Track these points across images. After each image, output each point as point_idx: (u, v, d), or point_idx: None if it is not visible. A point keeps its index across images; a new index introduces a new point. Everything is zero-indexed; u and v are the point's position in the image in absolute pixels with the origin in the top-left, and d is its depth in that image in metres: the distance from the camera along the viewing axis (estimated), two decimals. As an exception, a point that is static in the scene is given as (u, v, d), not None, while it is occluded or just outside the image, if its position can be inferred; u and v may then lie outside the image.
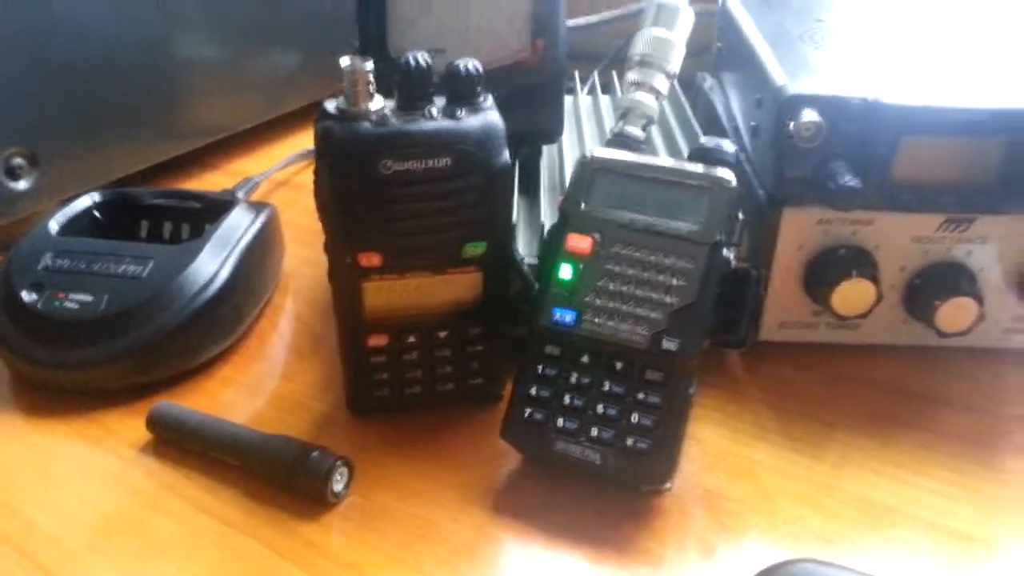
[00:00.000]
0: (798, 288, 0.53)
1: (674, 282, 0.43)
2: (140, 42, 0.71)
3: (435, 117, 0.42)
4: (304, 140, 0.87)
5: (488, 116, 0.43)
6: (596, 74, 0.80)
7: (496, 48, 0.56)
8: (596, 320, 0.43)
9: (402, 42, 0.57)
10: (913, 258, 0.52)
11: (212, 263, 0.54)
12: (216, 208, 0.59)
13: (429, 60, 0.42)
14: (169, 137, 0.77)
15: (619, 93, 0.74)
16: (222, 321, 0.54)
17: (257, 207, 0.61)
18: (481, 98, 0.44)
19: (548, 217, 0.55)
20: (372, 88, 0.42)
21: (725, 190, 0.44)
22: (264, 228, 0.59)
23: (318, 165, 0.42)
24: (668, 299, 0.43)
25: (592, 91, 0.77)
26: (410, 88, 0.42)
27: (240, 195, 0.64)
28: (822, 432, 0.50)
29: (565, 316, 0.44)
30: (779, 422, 0.50)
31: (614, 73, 0.78)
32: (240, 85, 0.82)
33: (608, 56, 0.89)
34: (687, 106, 0.69)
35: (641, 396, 0.42)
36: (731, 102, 0.64)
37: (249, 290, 0.57)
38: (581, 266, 0.44)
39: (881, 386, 0.53)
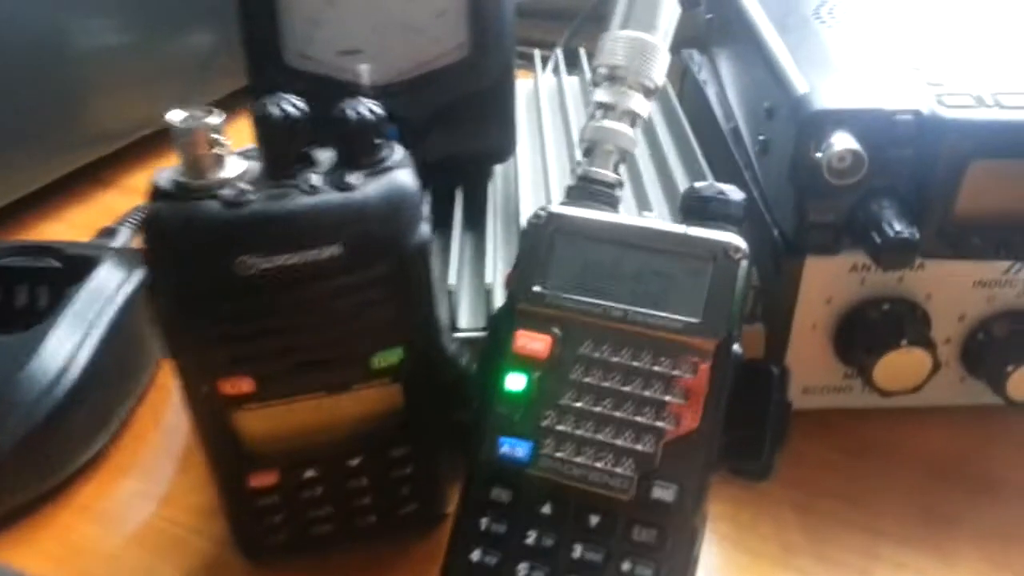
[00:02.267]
0: (826, 347, 0.41)
1: (667, 399, 0.30)
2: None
3: (317, 188, 0.29)
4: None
5: (395, 178, 0.30)
6: (559, 52, 0.66)
7: (424, 48, 0.43)
8: (559, 454, 0.31)
9: (303, 45, 0.44)
10: (975, 306, 0.40)
11: (64, 349, 0.41)
12: (79, 266, 0.46)
13: (301, 107, 0.29)
14: (50, 153, 0.62)
15: (587, 76, 0.60)
16: (79, 429, 0.41)
17: (132, 258, 0.47)
18: (384, 152, 0.31)
19: (498, 270, 0.42)
20: (224, 149, 0.29)
21: (732, 263, 0.31)
22: (140, 288, 0.45)
23: (147, 267, 0.29)
24: (659, 424, 0.30)
25: (558, 71, 0.64)
26: (276, 148, 0.29)
27: (121, 236, 0.51)
28: (865, 548, 0.38)
29: (516, 448, 0.31)
30: (809, 536, 0.39)
31: (581, 51, 0.64)
32: (137, 78, 0.67)
33: (575, 23, 0.75)
34: (673, 96, 0.55)
35: (627, 566, 0.30)
36: (727, 93, 0.51)
37: (118, 377, 0.44)
38: (536, 375, 0.32)
39: (932, 466, 0.42)
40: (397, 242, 0.30)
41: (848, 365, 0.41)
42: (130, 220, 0.56)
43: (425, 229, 0.31)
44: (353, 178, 0.30)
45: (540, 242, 0.33)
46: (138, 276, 0.46)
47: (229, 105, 0.73)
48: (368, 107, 0.30)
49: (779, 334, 0.40)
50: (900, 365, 0.38)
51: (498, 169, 0.50)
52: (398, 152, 0.31)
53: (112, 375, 0.43)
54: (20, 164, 0.60)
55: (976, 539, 0.38)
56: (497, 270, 0.42)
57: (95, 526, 0.40)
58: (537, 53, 0.65)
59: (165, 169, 0.30)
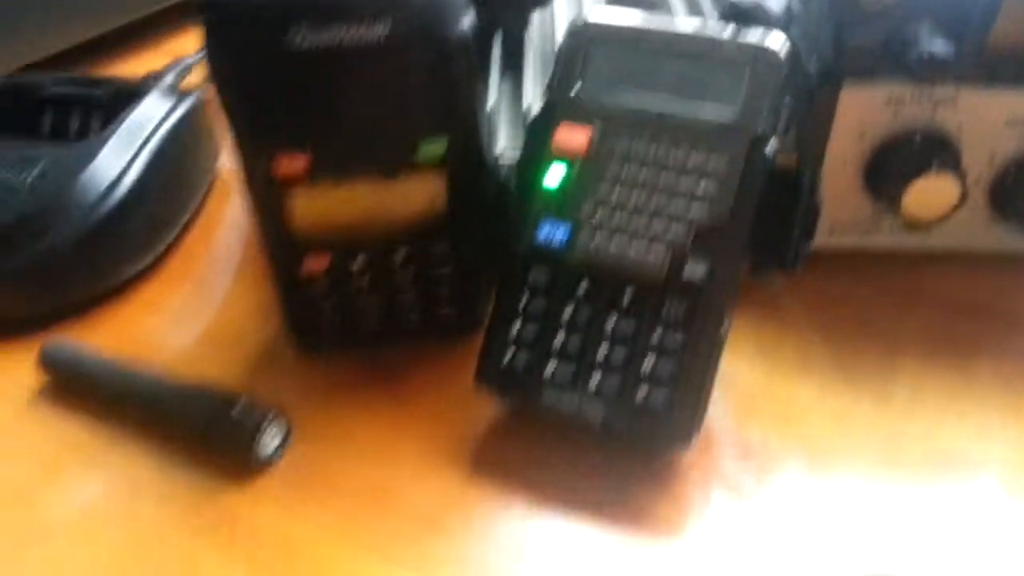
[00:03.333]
0: (856, 184, 0.42)
1: (701, 187, 0.32)
2: None
3: (363, -34, 0.30)
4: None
5: (439, -37, 0.32)
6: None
7: None
8: (597, 238, 0.33)
9: None
10: (1006, 145, 0.40)
11: (115, 164, 0.43)
12: (125, 96, 0.48)
13: None
14: (90, 11, 0.64)
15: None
16: (134, 235, 0.44)
17: (179, 94, 0.49)
18: (429, -63, 0.32)
19: (536, 102, 0.43)
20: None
21: (772, 65, 0.32)
22: (186, 119, 0.47)
23: (206, 38, 0.31)
24: (693, 210, 0.32)
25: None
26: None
27: (168, 79, 0.53)
28: (885, 364, 0.39)
29: (556, 232, 0.33)
30: (831, 352, 0.40)
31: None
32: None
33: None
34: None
35: (657, 337, 0.32)
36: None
37: (168, 195, 0.46)
38: (575, 168, 0.33)
39: (957, 304, 0.42)
40: (440, 30, 0.31)
41: (877, 199, 0.42)
42: (173, 68, 0.57)
43: (471, 17, 0.32)
44: (399, -40, 0.31)
45: (578, 48, 0.34)
46: (184, 107, 0.48)
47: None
48: None
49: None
50: (930, 191, 0.39)
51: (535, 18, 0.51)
52: (441, -61, 0.32)
53: (163, 189, 0.46)
54: (61, 15, 0.62)
55: (994, 362, 0.39)
56: (534, 99, 0.43)
57: (159, 319, 0.43)
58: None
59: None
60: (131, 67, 0.67)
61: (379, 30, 0.30)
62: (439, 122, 0.33)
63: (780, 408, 0.38)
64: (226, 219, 0.50)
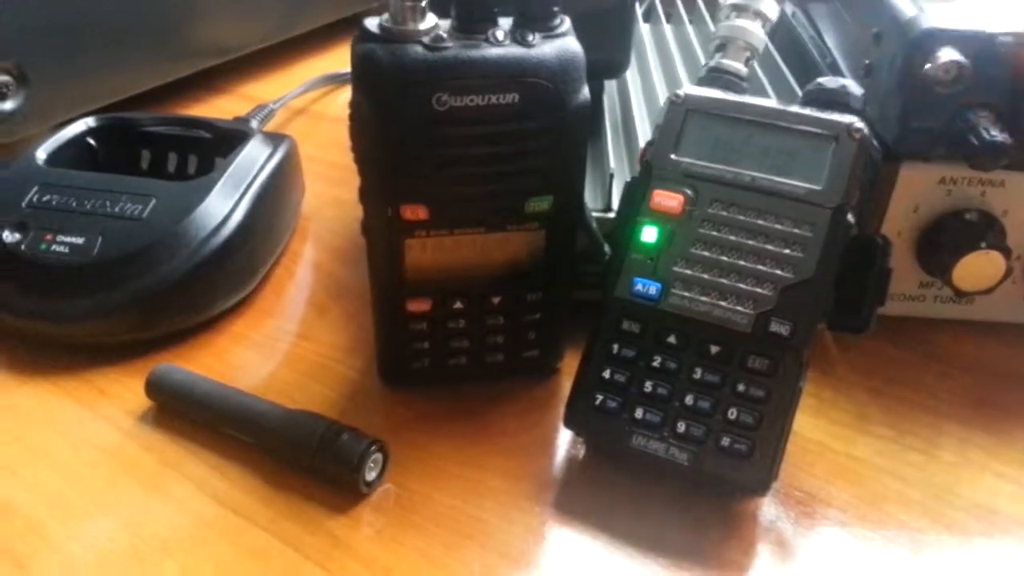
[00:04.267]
0: (908, 256, 0.45)
1: (787, 252, 0.35)
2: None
3: (501, 42, 0.34)
4: (324, 63, 0.79)
5: (566, 43, 0.35)
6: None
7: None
8: (687, 294, 0.36)
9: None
10: (1047, 227, 0.44)
11: (224, 203, 0.46)
12: (229, 139, 0.51)
13: (496, -31, 0.34)
14: (175, 56, 0.68)
15: (684, 22, 0.65)
16: (235, 271, 0.47)
17: (275, 139, 0.53)
18: (557, 20, 0.36)
19: (615, 164, 0.47)
20: (424, 3, 0.34)
21: (853, 142, 0.36)
22: (283, 163, 0.51)
23: (356, 98, 0.34)
24: (779, 272, 0.35)
25: (650, 19, 0.69)
26: (470, 5, 0.34)
27: (254, 124, 0.56)
28: (933, 424, 0.43)
29: (648, 288, 0.36)
30: (882, 411, 0.43)
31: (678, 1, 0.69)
32: (252, 2, 0.73)
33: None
34: (767, 42, 0.60)
35: (741, 388, 0.35)
36: (823, 35, 0.55)
37: (265, 235, 0.49)
38: (669, 228, 0.37)
39: (995, 372, 0.46)
40: (564, 98, 0.35)
41: (928, 271, 0.45)
42: (256, 115, 0.61)
43: (587, 92, 0.36)
44: (532, 38, 0.34)
45: (676, 117, 0.38)
46: (281, 152, 0.52)
47: (323, 35, 0.79)
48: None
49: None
50: (978, 266, 0.42)
51: (610, 87, 0.55)
52: (567, 22, 0.36)
53: (260, 231, 0.48)
54: (147, 62, 0.66)
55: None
56: (615, 160, 0.47)
57: (249, 351, 0.46)
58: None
59: (371, 17, 0.35)
60: (202, 108, 0.71)
61: (511, 98, 0.34)
62: (549, 181, 0.37)
63: (839, 461, 0.40)
64: (307, 259, 0.53)
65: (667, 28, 0.65)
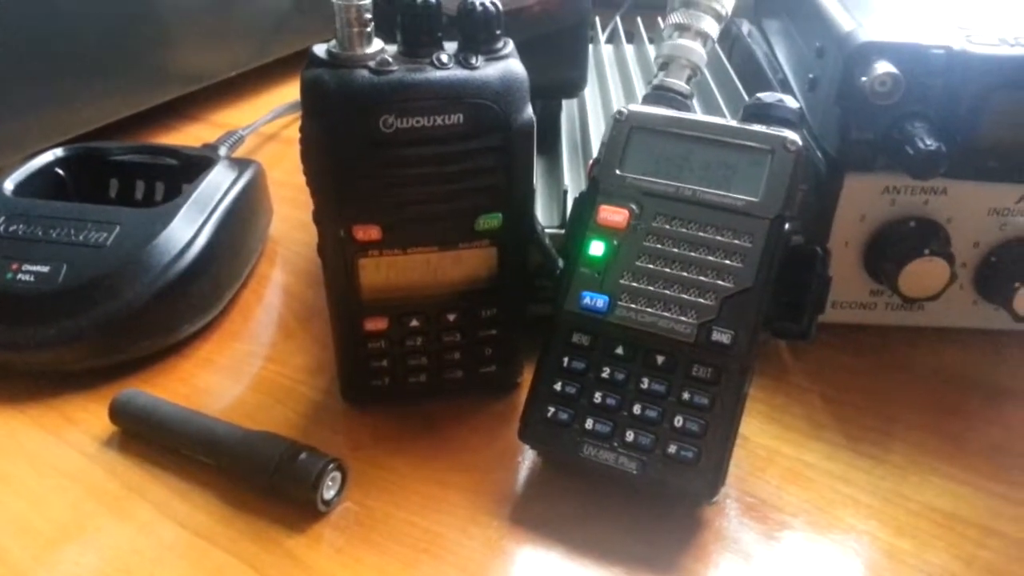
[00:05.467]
0: (856, 264, 0.46)
1: (727, 263, 0.36)
2: (112, -23, 0.63)
3: (446, 65, 0.35)
4: (294, 90, 0.79)
5: (509, 65, 0.36)
6: (618, 19, 0.72)
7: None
8: (633, 306, 0.37)
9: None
10: (989, 233, 0.45)
11: (187, 229, 0.47)
12: (194, 165, 0.52)
13: (437, -3, 0.35)
14: (145, 85, 0.69)
15: (645, 43, 0.67)
16: (199, 295, 0.47)
17: (241, 164, 0.54)
18: (500, 43, 0.37)
19: (571, 181, 0.48)
20: (370, 28, 0.35)
21: (789, 154, 0.37)
22: (248, 188, 0.52)
23: (305, 121, 0.36)
24: (720, 283, 0.36)
25: (614, 39, 0.70)
26: (415, 30, 0.35)
27: (222, 151, 0.57)
28: (883, 429, 0.43)
29: (596, 301, 0.37)
30: (834, 417, 0.44)
31: (638, 19, 0.70)
32: (225, 28, 0.74)
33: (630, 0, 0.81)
34: (723, 56, 0.61)
35: (686, 396, 0.36)
36: (775, 51, 0.57)
37: (231, 259, 0.50)
38: (615, 242, 0.38)
39: (946, 376, 0.47)
40: (508, 118, 0.36)
41: (875, 279, 0.46)
42: (225, 141, 0.62)
43: (530, 111, 0.37)
44: (475, 60, 0.36)
45: (620, 134, 0.39)
46: (247, 177, 0.53)
47: (293, 63, 0.81)
48: (491, 1, 0.36)
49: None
50: (923, 273, 0.43)
51: (565, 106, 0.56)
52: (510, 45, 0.37)
53: (225, 255, 0.49)
54: (118, 91, 0.67)
55: (979, 428, 0.43)
56: (570, 178, 0.48)
57: (215, 375, 0.47)
58: (597, 20, 0.71)
59: (320, 44, 0.36)
60: (174, 137, 0.72)
61: (456, 118, 0.35)
62: (498, 199, 0.38)
63: (790, 467, 0.41)
64: (275, 282, 0.54)
65: (628, 48, 0.66)
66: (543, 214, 0.47)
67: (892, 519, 0.39)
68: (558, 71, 0.52)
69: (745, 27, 0.64)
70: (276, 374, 0.47)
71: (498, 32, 0.36)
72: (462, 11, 0.36)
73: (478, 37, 0.36)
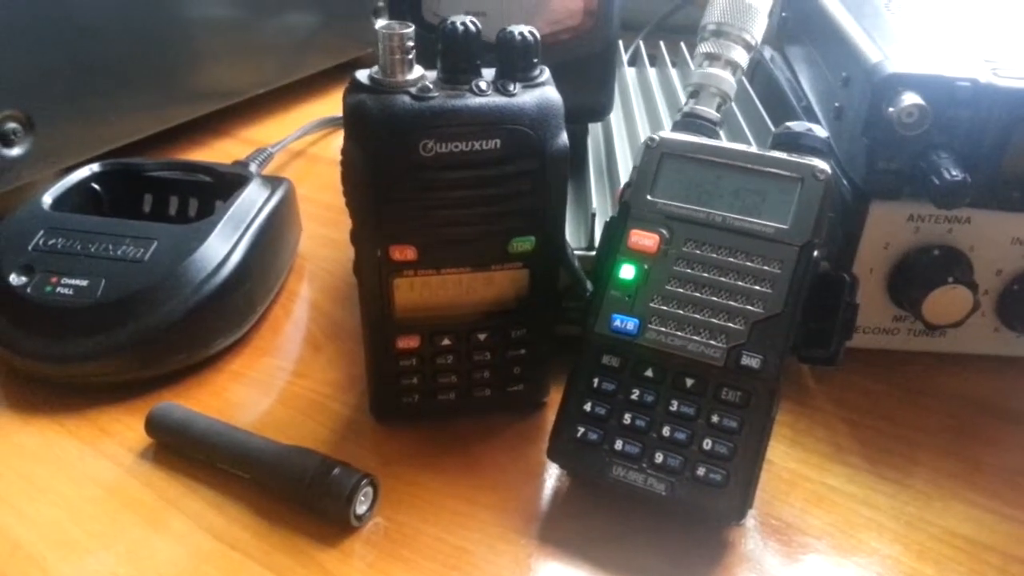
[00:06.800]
0: (880, 291, 0.47)
1: (756, 288, 0.37)
2: (147, -3, 0.65)
3: (484, 92, 0.36)
4: (322, 107, 0.81)
5: (545, 91, 0.37)
6: (640, 43, 0.73)
7: (544, 14, 0.50)
8: (663, 329, 0.38)
9: (438, 5, 0.51)
10: (1011, 262, 0.46)
11: (223, 245, 0.48)
12: (228, 183, 0.53)
13: (477, 24, 0.36)
14: (178, 102, 0.70)
15: (668, 66, 0.68)
16: (233, 310, 0.48)
17: (273, 182, 0.55)
18: (537, 71, 0.38)
19: (598, 204, 0.49)
20: (412, 56, 0.36)
21: (818, 182, 0.38)
22: (280, 205, 0.53)
23: (347, 144, 0.36)
24: (749, 308, 0.37)
25: (635, 63, 0.71)
26: (455, 58, 0.36)
27: (253, 167, 0.58)
28: (906, 454, 0.44)
29: (626, 323, 0.38)
30: (857, 442, 0.45)
31: (661, 43, 0.71)
32: (254, 46, 0.76)
33: (652, 23, 0.82)
34: (747, 84, 0.62)
35: (715, 419, 0.37)
36: (800, 79, 0.58)
37: (263, 275, 0.51)
38: (645, 267, 0.39)
39: (967, 401, 0.47)
40: (544, 143, 0.37)
41: (899, 305, 0.47)
42: (255, 158, 0.63)
43: (565, 137, 0.38)
44: (513, 87, 0.37)
45: (651, 160, 0.40)
46: (279, 195, 0.54)
47: (320, 81, 0.82)
48: (529, 30, 0.37)
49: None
50: (946, 300, 0.44)
51: (590, 129, 0.57)
52: (546, 72, 0.38)
53: (258, 271, 0.50)
54: (150, 107, 0.68)
55: (1001, 454, 0.44)
56: (598, 201, 0.49)
57: (246, 389, 0.47)
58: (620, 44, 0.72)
59: (362, 70, 0.37)
60: (202, 152, 0.73)
61: (494, 144, 0.36)
62: (532, 222, 0.38)
63: (814, 490, 0.42)
64: (304, 298, 0.55)
65: (651, 72, 0.67)
66: (571, 236, 0.48)
67: (915, 543, 0.39)
68: (585, 96, 0.53)
69: (768, 52, 0.65)
70: (305, 389, 0.48)
71: (535, 60, 0.37)
72: (501, 40, 0.37)
73: (516, 64, 0.37)
